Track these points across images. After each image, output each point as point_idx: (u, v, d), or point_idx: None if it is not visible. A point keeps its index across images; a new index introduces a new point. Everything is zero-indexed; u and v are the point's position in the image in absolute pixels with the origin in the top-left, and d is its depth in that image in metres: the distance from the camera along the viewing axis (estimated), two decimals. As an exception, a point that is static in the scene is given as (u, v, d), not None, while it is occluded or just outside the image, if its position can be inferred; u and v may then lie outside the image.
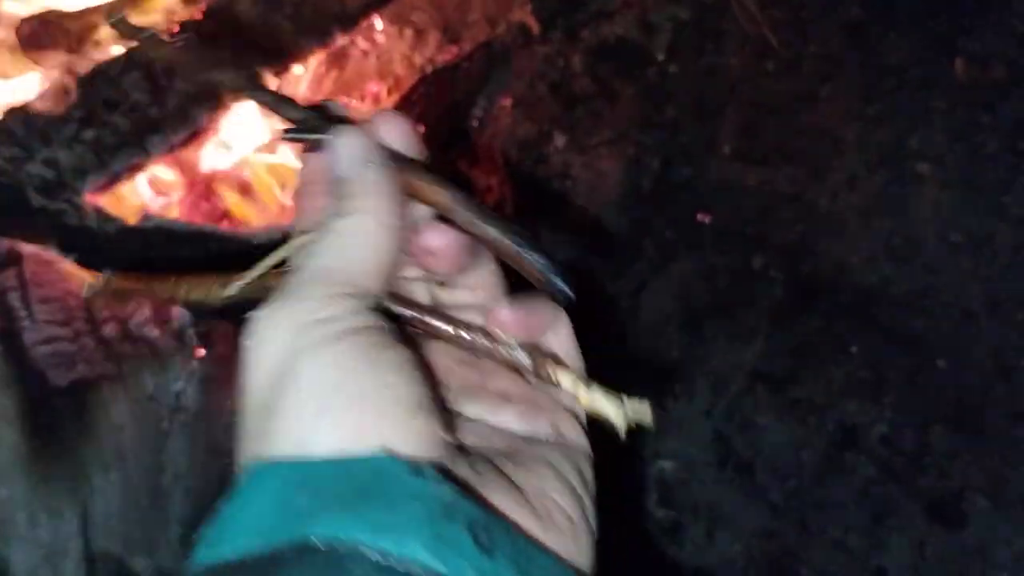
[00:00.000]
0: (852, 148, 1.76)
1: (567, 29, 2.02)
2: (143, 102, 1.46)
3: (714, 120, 1.86)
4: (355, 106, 2.15)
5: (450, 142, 2.00)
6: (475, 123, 2.02)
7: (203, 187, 1.80)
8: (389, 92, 2.18)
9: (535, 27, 2.04)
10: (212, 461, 1.64)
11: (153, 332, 1.59)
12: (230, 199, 1.84)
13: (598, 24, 2.01)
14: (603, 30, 2.00)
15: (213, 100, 1.52)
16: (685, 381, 1.59)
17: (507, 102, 2.01)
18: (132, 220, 1.36)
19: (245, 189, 1.87)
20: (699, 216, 1.77)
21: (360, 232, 0.54)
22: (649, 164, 1.85)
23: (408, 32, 2.22)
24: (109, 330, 1.56)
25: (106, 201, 1.46)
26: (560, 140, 1.92)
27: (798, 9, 1.93)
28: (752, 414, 1.54)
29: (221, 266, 1.43)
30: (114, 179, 1.39)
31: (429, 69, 2.17)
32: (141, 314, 1.58)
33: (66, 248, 1.23)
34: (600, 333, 1.71)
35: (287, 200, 1.92)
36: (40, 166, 1.31)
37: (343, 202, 0.55)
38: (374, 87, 2.21)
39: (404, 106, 2.00)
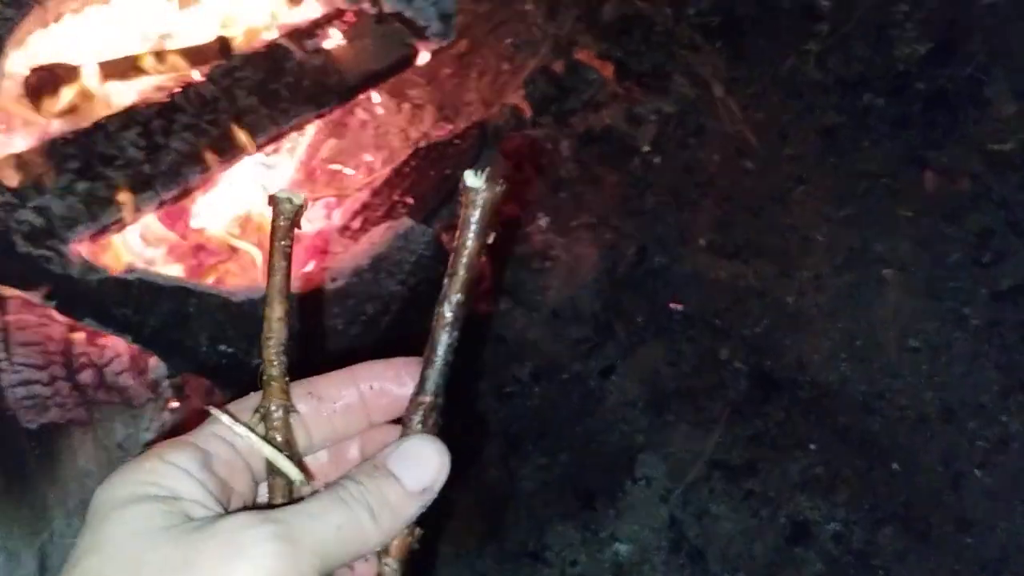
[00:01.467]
0: (821, 248, 1.82)
1: (558, 115, 2.09)
2: (137, 159, 1.51)
3: (691, 212, 1.92)
4: (348, 176, 2.22)
5: (436, 213, 2.05)
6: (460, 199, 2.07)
7: (191, 243, 1.85)
8: (383, 163, 2.25)
9: (527, 111, 2.12)
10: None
11: (129, 381, 1.62)
12: (215, 256, 1.88)
13: (587, 113, 2.08)
14: (592, 119, 2.07)
15: (205, 162, 1.58)
16: (645, 465, 1.62)
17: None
18: (117, 271, 1.40)
19: (230, 247, 1.92)
20: (671, 304, 1.82)
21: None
22: (626, 250, 1.91)
23: (406, 107, 2.29)
24: (85, 376, 1.59)
25: (94, 251, 1.51)
26: (543, 220, 1.98)
27: (778, 112, 2.01)
28: (707, 502, 1.57)
29: (199, 323, 1.47)
30: (102, 231, 1.44)
31: (423, 143, 2.25)
32: (119, 362, 1.62)
33: (50, 296, 1.27)
34: (566, 410, 1.75)
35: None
36: (31, 213, 1.36)
37: None
38: (369, 157, 2.28)
39: (396, 176, 2.06)
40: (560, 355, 1.80)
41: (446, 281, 0.63)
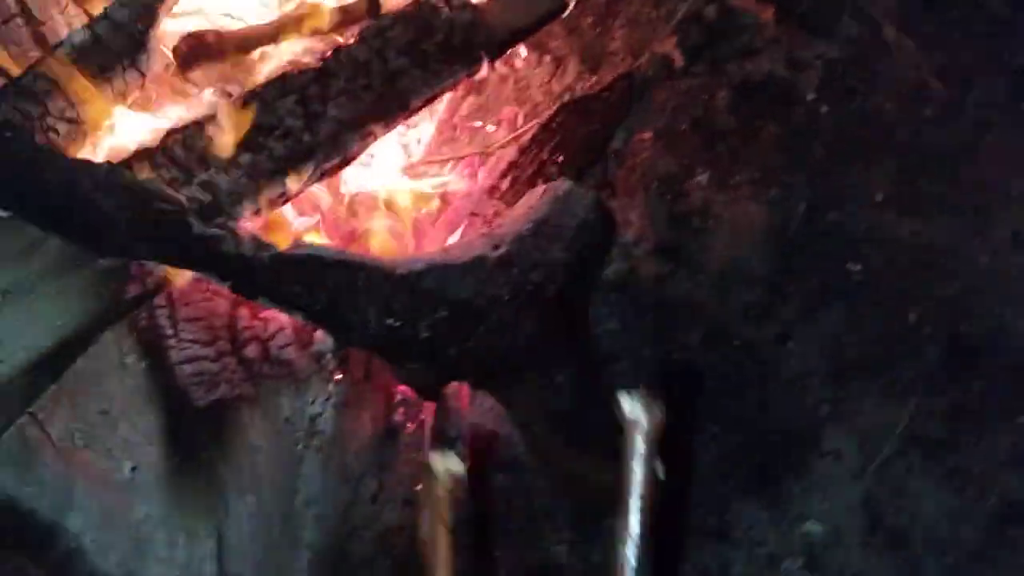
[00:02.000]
0: (1017, 202, 1.67)
1: (712, 63, 1.96)
2: (296, 128, 1.46)
3: (866, 165, 1.79)
4: (490, 133, 2.13)
5: (587, 171, 1.96)
6: (613, 155, 1.98)
7: (345, 208, 1.81)
8: (526, 118, 2.16)
9: (678, 60, 2.00)
10: (342, 486, 1.62)
11: (293, 354, 1.59)
12: (369, 221, 1.83)
13: (744, 60, 1.95)
14: (749, 66, 1.94)
15: (363, 128, 1.52)
16: (833, 439, 1.52)
17: (647, 135, 1.96)
18: (283, 246, 1.35)
19: (384, 211, 1.87)
20: (848, 265, 1.70)
21: None
22: (795, 207, 1.79)
23: (547, 60, 2.19)
24: (251, 351, 1.56)
25: (260, 226, 1.47)
26: (702, 177, 1.87)
27: (959, 52, 1.84)
28: (905, 480, 1.46)
29: (366, 297, 1.42)
30: (269, 204, 1.39)
31: (568, 97, 2.15)
32: (283, 335, 1.59)
33: (223, 276, 1.23)
34: (740, 379, 1.66)
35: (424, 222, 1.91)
36: (198, 189, 1.32)
37: None
38: (510, 112, 2.19)
39: (543, 133, 1.97)
40: (730, 320, 1.71)
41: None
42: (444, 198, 1.96)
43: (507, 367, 1.53)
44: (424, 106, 1.62)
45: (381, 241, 1.83)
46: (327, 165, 1.45)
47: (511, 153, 1.97)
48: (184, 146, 1.34)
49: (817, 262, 1.73)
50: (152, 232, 1.10)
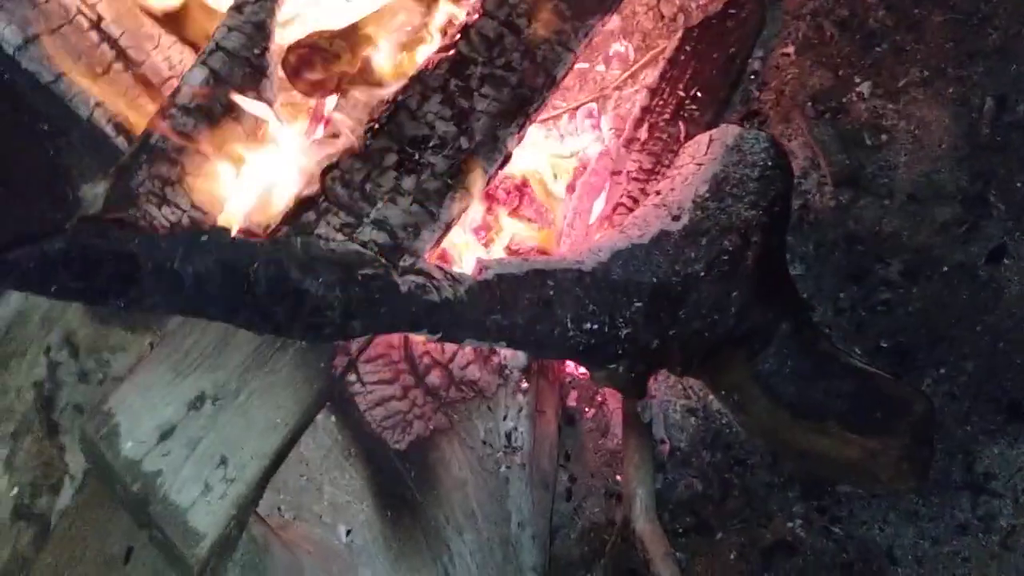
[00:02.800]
0: None
1: (845, -45, 1.75)
2: (450, 134, 1.30)
3: (1053, 41, 1.59)
4: (600, 73, 1.95)
5: (729, 103, 1.78)
6: (753, 77, 1.79)
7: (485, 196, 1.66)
8: (637, 50, 1.96)
9: (808, -44, 1.79)
10: (544, 496, 1.52)
11: (476, 372, 1.47)
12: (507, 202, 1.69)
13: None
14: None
15: (517, 116, 1.35)
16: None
17: (789, 49, 1.77)
18: (474, 273, 1.21)
19: (521, 190, 1.72)
20: (1058, 160, 1.52)
21: None
22: (980, 103, 1.60)
23: (650, -22, 1.99)
24: (434, 378, 1.44)
25: (438, 254, 1.33)
26: (863, 86, 1.68)
27: None
28: None
29: (561, 305, 1.28)
30: (446, 229, 1.25)
31: (685, 21, 1.94)
32: (463, 355, 1.46)
33: (433, 329, 1.09)
34: (958, 309, 1.51)
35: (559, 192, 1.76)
36: (372, 229, 1.17)
37: None
38: (619, 47, 2.00)
39: (671, 68, 1.78)
40: (932, 245, 1.55)
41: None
42: (578, 161, 1.80)
43: (715, 348, 1.39)
44: (567, 73, 1.44)
45: (526, 224, 1.69)
46: (492, 169, 1.30)
47: (641, 96, 1.78)
48: (343, 183, 1.19)
49: (1018, 161, 1.55)
50: (365, 306, 0.96)
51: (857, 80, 1.68)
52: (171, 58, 1.38)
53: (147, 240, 0.82)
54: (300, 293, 0.91)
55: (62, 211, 1.27)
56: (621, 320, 1.31)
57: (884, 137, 1.63)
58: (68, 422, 1.19)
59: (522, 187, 1.71)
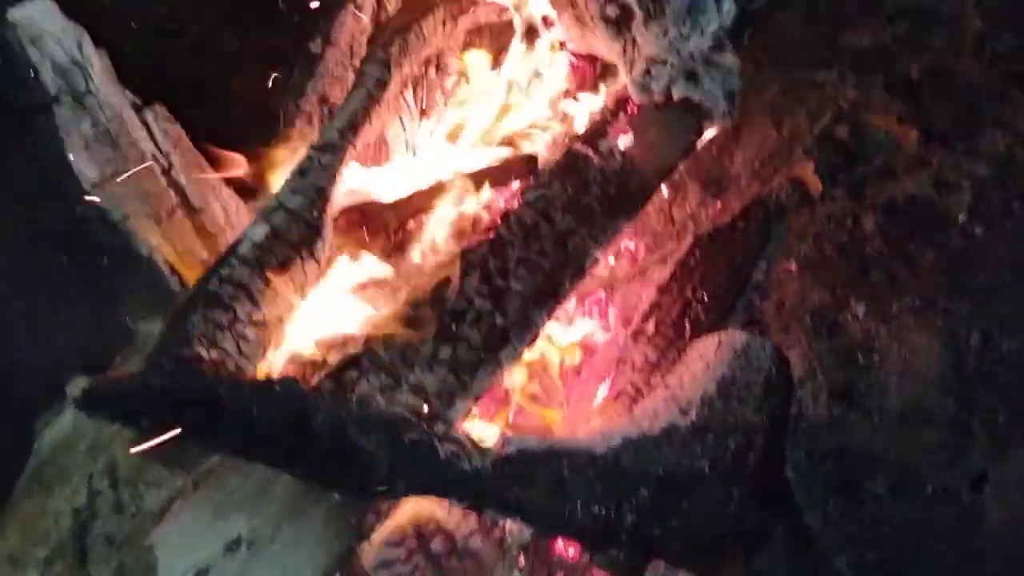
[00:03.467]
0: None
1: (851, 186, 1.90)
2: (486, 310, 1.38)
3: (1036, 289, 1.72)
4: (610, 265, 2.06)
5: (732, 310, 1.89)
6: (756, 288, 1.91)
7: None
8: (647, 249, 2.09)
9: (815, 184, 1.94)
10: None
11: (478, 543, 1.49)
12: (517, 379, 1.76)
13: (885, 181, 1.89)
14: (892, 188, 1.88)
15: (548, 301, 1.44)
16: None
17: (791, 265, 1.89)
18: (497, 447, 1.27)
19: (531, 367, 1.79)
20: (1038, 398, 1.62)
21: None
22: (967, 336, 1.71)
23: (663, 185, 2.13)
24: (438, 544, 1.47)
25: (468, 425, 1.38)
26: (858, 308, 1.80)
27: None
28: None
29: (574, 486, 1.33)
30: (476, 399, 1.31)
31: (692, 226, 2.08)
32: (467, 525, 1.49)
33: (461, 498, 1.14)
34: (938, 530, 1.57)
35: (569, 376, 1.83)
36: (410, 396, 1.23)
37: None
38: (630, 243, 2.12)
39: (681, 270, 1.90)
40: (918, 465, 1.62)
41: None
42: (586, 346, 1.89)
43: (712, 543, 1.44)
44: (592, 267, 1.54)
45: (535, 402, 1.75)
46: (521, 347, 1.37)
47: (649, 292, 1.90)
48: (386, 346, 1.26)
49: (1001, 395, 1.65)
50: (409, 469, 1.01)
51: (853, 301, 1.80)
52: (228, 208, 1.46)
53: (232, 385, 0.87)
54: (355, 450, 0.96)
55: (116, 342, 1.32)
56: (627, 507, 1.36)
57: (876, 358, 1.73)
58: (98, 552, 1.20)
59: (531, 365, 1.79)
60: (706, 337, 1.64)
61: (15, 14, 1.42)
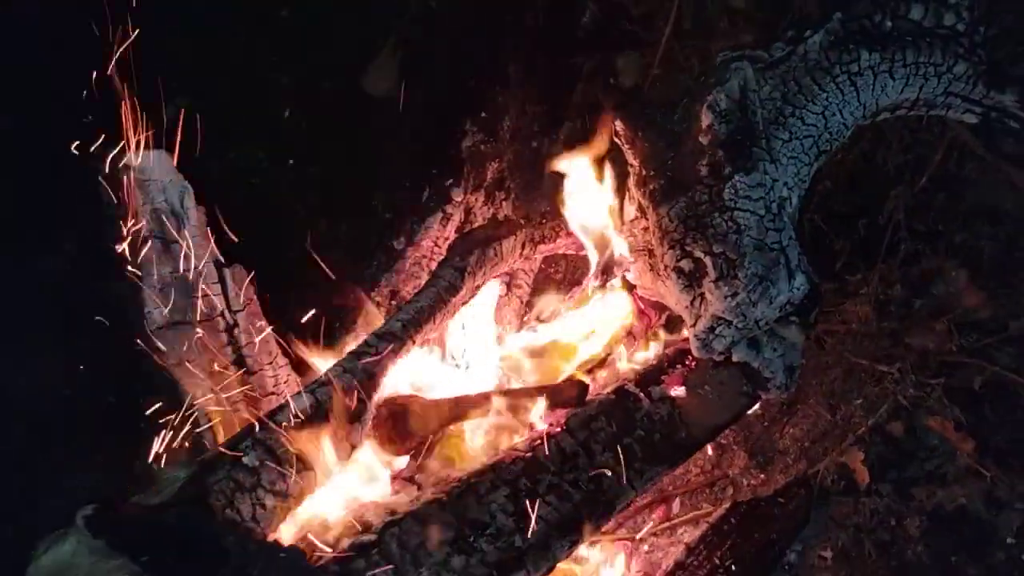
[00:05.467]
0: None
1: (899, 484, 1.86)
2: (507, 528, 1.35)
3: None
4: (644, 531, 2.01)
5: (762, 584, 1.82)
6: (787, 569, 1.84)
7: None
8: (681, 506, 2.04)
9: (864, 475, 1.90)
10: None
11: None
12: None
13: (935, 486, 1.84)
14: (941, 495, 1.83)
15: (571, 535, 1.40)
16: None
17: (827, 552, 1.83)
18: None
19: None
20: None
21: None
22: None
23: (711, 445, 2.10)
24: None
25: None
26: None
27: None
28: None
29: None
30: (478, 621, 1.25)
31: (732, 491, 2.04)
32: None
33: None
34: None
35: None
36: (412, 597, 1.19)
37: None
38: (668, 499, 2.08)
39: (713, 535, 1.84)
40: None
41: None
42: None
43: None
44: (630, 519, 1.51)
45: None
46: (535, 575, 1.33)
47: (677, 550, 1.84)
48: (399, 543, 1.23)
49: None
50: None
51: (890, 604, 1.72)
52: (278, 376, 1.48)
53: (240, 539, 0.85)
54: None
55: (130, 482, 1.31)
56: None
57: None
58: None
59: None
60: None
61: (133, 159, 1.51)
